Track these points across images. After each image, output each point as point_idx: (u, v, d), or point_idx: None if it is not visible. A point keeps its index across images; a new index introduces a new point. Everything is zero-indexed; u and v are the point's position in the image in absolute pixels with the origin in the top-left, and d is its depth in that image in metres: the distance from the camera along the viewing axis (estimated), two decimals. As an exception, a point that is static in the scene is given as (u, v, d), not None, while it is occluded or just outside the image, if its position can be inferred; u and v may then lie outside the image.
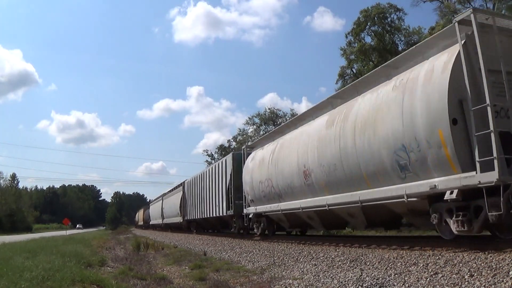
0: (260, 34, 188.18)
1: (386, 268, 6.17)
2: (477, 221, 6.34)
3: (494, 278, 4.57)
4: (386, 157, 7.86)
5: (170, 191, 39.81)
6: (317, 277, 6.33)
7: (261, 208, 14.38)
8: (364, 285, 5.33)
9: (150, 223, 53.33)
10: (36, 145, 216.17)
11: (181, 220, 30.86)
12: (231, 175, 17.95)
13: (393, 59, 8.90)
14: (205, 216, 22.91)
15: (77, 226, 56.48)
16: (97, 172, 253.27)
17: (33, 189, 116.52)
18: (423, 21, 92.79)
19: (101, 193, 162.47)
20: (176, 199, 33.14)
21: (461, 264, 5.51)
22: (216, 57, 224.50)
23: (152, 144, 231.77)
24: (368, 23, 32.42)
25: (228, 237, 18.58)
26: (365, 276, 5.82)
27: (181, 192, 31.34)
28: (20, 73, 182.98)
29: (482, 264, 5.30)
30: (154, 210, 50.02)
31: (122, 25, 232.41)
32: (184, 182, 31.55)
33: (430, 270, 5.50)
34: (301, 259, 8.44)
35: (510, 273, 4.65)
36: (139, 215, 71.86)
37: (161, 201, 42.89)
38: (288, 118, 44.71)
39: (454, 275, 5.02)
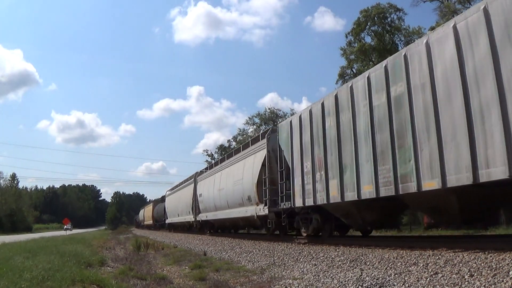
0: (261, 34, 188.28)
1: (386, 268, 6.16)
2: None
3: (494, 278, 4.57)
4: None
5: (213, 166, 23.72)
6: (317, 277, 6.32)
7: None
8: (364, 285, 5.32)
9: (167, 221, 38.42)
10: (36, 145, 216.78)
11: (262, 212, 14.43)
12: None
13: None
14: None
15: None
16: (97, 172, 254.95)
17: (33, 189, 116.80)
18: (423, 21, 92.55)
19: (101, 193, 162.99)
20: (243, 173, 16.57)
21: (461, 264, 5.51)
22: (216, 57, 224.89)
23: (152, 144, 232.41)
24: (368, 23, 32.49)
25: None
26: (365, 276, 5.81)
27: (262, 154, 14.76)
28: (20, 73, 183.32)
29: (482, 264, 5.29)
30: (175, 201, 33.64)
31: (122, 25, 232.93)
32: (268, 136, 14.42)
33: (430, 270, 5.50)
34: (301, 259, 8.43)
35: (510, 273, 4.65)
36: (144, 213, 60.89)
37: (192, 185, 26.84)
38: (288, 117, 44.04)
39: (454, 275, 5.02)
